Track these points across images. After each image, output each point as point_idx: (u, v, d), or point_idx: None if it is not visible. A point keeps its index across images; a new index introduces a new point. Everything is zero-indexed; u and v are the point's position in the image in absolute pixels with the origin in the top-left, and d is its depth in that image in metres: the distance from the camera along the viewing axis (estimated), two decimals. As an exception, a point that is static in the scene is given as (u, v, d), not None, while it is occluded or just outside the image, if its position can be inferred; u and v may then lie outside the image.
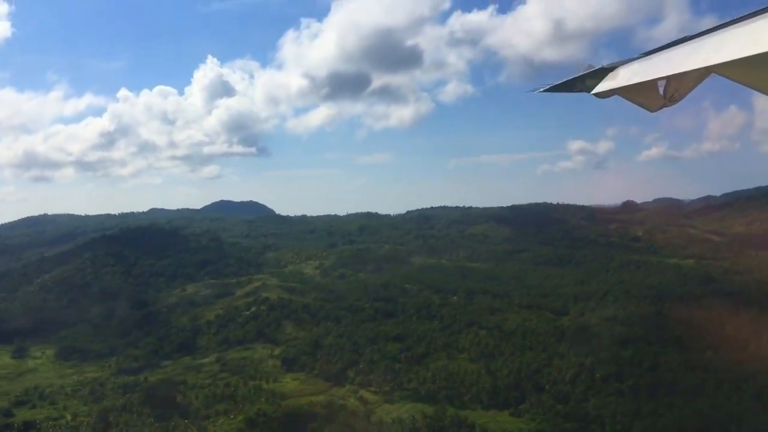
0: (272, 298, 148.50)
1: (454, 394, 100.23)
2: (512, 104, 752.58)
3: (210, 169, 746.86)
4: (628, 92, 5.17)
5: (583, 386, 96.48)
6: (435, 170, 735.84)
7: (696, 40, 4.36)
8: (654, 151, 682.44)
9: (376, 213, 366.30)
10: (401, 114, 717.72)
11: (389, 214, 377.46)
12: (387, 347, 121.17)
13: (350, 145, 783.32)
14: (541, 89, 5.98)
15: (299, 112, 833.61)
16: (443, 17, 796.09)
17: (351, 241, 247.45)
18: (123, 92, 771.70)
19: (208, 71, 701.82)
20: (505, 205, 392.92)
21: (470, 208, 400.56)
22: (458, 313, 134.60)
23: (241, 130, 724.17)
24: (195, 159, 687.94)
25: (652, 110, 5.40)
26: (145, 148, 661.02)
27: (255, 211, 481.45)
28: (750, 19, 3.79)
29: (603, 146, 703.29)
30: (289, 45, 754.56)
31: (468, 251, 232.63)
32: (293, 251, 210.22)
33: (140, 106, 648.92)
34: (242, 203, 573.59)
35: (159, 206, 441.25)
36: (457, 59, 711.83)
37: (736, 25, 3.92)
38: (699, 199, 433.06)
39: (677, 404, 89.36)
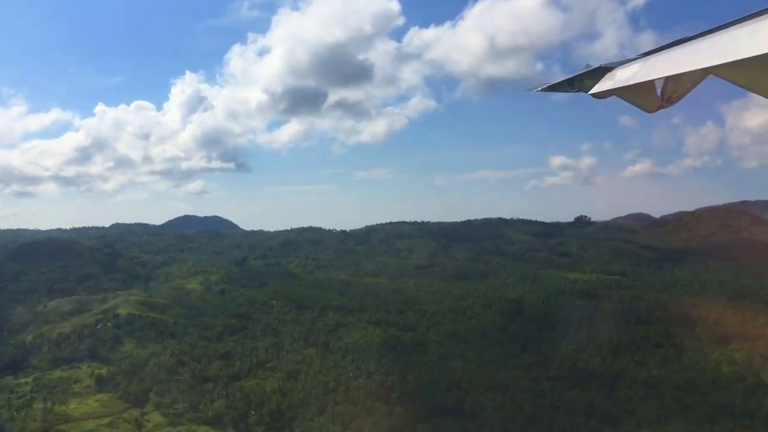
0: (122, 314, 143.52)
1: (240, 416, 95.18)
2: (487, 119, 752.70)
3: (195, 185, 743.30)
4: (626, 93, 5.03)
5: (365, 407, 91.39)
6: (413, 185, 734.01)
7: (694, 41, 4.27)
8: (638, 167, 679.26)
9: (320, 228, 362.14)
10: (373, 129, 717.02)
11: (335, 230, 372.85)
12: (210, 366, 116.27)
13: (327, 161, 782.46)
14: (539, 89, 5.87)
15: (272, 126, 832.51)
16: (392, 33, 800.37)
17: (265, 256, 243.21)
18: (100, 107, 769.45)
19: (185, 87, 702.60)
20: (459, 221, 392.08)
21: (423, 222, 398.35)
22: (300, 330, 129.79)
23: (217, 145, 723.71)
24: (175, 174, 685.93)
25: (649, 111, 5.23)
26: (124, 163, 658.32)
27: (217, 226, 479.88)
28: (748, 21, 3.75)
29: (586, 162, 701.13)
30: (237, 60, 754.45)
31: (378, 266, 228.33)
32: (188, 265, 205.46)
33: (117, 120, 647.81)
34: (206, 218, 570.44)
35: (133, 221, 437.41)
36: (412, 75, 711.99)
37: (734, 26, 3.87)
38: (672, 214, 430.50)
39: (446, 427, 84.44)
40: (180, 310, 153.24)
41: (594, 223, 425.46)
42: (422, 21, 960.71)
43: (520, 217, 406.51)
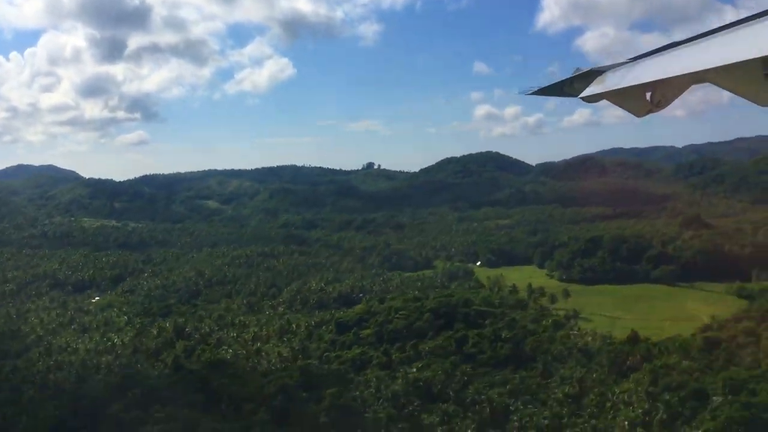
0: None
1: None
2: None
3: (131, 136, 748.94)
4: (616, 97, 5.10)
5: None
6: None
7: (683, 46, 4.37)
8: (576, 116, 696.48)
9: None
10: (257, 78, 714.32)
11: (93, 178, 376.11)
12: None
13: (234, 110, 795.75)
14: (529, 92, 5.78)
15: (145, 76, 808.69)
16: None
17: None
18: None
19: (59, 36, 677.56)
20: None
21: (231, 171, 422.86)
22: None
23: (101, 94, 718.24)
24: (85, 125, 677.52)
25: (638, 115, 5.22)
26: (20, 114, 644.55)
27: (49, 175, 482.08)
28: (736, 27, 3.83)
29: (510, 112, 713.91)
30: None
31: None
32: None
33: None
34: (40, 167, 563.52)
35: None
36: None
37: (723, 32, 3.95)
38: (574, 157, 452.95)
39: None
40: None
41: (377, 169, 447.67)
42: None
43: (320, 165, 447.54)
